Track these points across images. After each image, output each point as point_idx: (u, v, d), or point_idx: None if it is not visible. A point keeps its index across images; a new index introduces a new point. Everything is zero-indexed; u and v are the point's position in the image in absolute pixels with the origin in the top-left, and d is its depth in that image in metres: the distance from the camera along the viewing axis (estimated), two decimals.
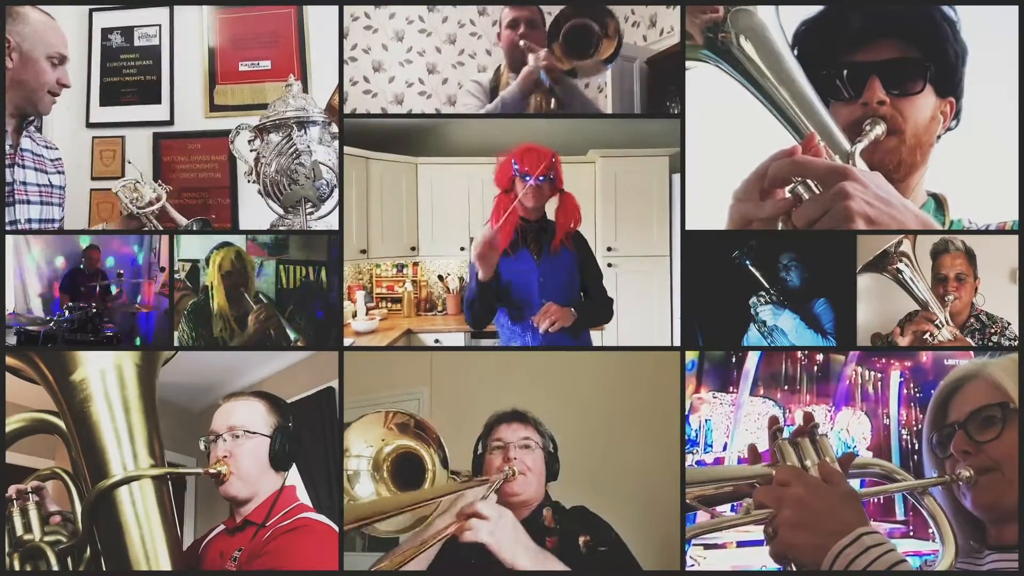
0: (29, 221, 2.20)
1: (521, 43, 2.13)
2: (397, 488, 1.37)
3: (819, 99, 1.45)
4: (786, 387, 2.25)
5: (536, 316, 2.06)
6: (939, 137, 1.60)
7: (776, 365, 2.24)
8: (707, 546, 2.09)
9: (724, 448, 2.23)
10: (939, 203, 1.67)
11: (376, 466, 1.37)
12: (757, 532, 1.07)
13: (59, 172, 2.30)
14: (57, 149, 2.36)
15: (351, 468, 1.37)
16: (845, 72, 1.53)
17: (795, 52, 1.57)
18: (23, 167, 2.20)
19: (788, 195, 1.31)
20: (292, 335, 2.17)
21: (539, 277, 2.14)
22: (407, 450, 1.39)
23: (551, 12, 2.11)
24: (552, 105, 2.11)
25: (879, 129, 1.48)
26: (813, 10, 1.60)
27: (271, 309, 2.23)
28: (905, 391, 2.24)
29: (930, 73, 1.53)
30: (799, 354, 2.23)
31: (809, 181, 1.29)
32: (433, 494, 1.35)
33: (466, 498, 1.38)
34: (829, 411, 2.25)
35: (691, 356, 2.20)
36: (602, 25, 1.99)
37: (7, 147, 2.16)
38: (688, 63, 1.55)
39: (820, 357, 2.25)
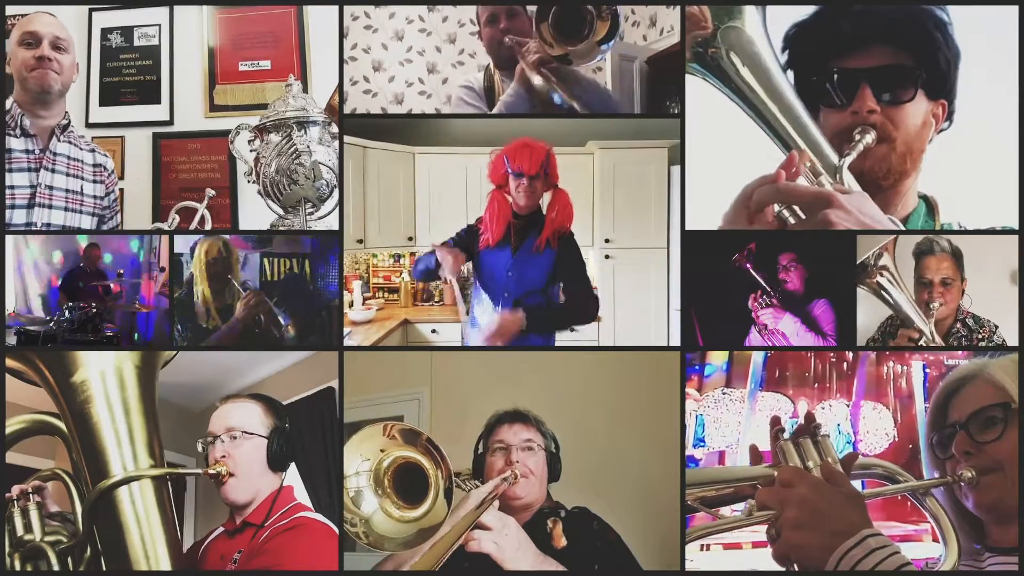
0: (47, 226, 2.18)
1: (507, 39, 1.94)
2: (400, 500, 1.34)
3: (808, 114, 1.44)
4: (816, 385, 2.21)
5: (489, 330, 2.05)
6: (931, 140, 1.57)
7: (803, 363, 2.21)
8: (725, 546, 2.08)
9: (737, 441, 2.21)
10: (929, 206, 1.65)
11: (377, 480, 1.34)
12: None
13: (97, 181, 2.28)
14: (107, 157, 2.35)
15: (352, 488, 1.34)
16: (836, 77, 1.51)
17: (785, 55, 1.56)
18: (52, 171, 2.18)
19: (774, 219, 1.31)
20: (283, 321, 2.16)
21: (508, 270, 2.09)
22: (406, 461, 1.34)
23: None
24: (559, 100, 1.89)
25: (868, 138, 1.47)
26: (803, 13, 1.58)
27: (260, 295, 2.20)
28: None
29: (921, 80, 1.51)
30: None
31: (795, 206, 1.30)
32: (454, 535, 1.31)
33: (471, 500, 1.38)
34: (847, 406, 2.22)
35: (722, 358, 2.18)
36: (595, 4, 1.78)
37: (36, 150, 2.16)
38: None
39: (850, 354, 2.21)
